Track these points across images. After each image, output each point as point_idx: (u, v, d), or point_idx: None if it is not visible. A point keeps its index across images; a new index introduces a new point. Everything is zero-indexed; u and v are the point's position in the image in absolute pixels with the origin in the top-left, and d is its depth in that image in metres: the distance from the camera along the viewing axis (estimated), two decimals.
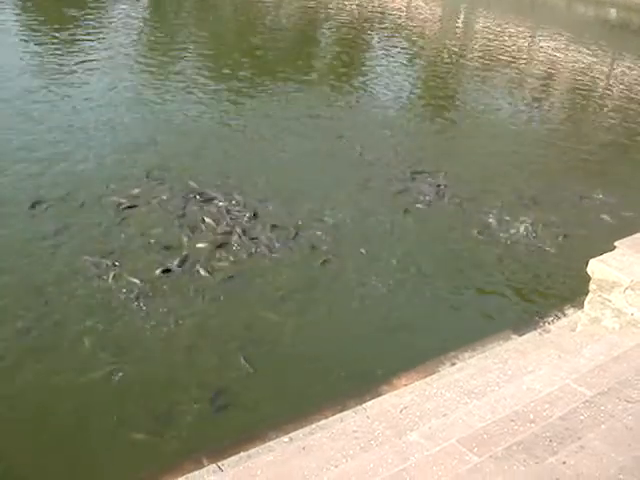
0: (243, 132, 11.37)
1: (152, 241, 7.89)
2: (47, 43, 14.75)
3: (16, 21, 16.60)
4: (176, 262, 7.52)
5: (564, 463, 4.16)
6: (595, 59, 18.71)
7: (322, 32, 19.78)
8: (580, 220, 9.57)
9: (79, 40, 15.28)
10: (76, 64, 13.55)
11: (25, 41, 14.91)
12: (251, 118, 12.06)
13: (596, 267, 6.04)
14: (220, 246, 7.94)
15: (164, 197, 8.78)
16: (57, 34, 15.39)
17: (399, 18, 21.27)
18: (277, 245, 8.09)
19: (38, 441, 5.33)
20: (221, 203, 8.77)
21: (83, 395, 5.75)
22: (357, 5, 21.90)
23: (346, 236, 8.53)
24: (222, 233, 8.20)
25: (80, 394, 5.76)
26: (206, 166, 9.86)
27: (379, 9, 21.76)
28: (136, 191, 8.85)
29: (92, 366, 6.03)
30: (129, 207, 8.47)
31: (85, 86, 12.50)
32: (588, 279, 6.14)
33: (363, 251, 8.24)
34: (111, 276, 7.16)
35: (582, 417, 4.63)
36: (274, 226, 8.43)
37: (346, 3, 21.73)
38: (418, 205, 9.46)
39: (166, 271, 7.37)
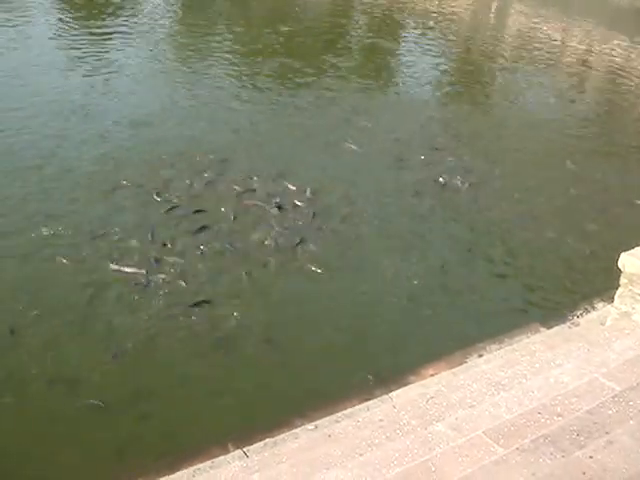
0: None
1: None
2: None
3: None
4: None
5: (591, 457, 4.12)
6: (631, 49, 18.39)
7: (353, 18, 19.67)
8: (614, 213, 9.47)
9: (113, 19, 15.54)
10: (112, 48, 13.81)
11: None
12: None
13: (627, 261, 5.96)
14: None
15: None
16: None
17: (431, 6, 21.09)
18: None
19: None
20: None
21: None
22: None
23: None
24: None
25: None
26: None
27: None
28: None
29: None
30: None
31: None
32: (619, 272, 6.07)
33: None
34: None
35: (610, 412, 4.59)
36: None
37: None
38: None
39: None
